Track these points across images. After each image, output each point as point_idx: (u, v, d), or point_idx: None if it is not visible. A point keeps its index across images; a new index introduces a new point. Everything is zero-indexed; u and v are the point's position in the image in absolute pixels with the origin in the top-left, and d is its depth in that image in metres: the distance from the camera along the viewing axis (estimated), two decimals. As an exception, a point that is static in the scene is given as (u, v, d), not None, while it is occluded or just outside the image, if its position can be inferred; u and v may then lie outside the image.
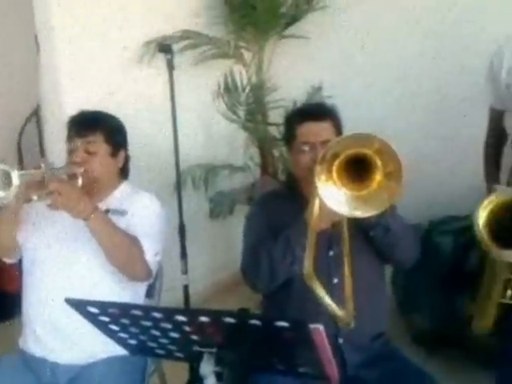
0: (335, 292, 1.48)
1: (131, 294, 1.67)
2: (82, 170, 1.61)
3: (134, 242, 1.58)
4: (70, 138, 1.68)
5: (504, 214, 1.50)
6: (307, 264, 1.32)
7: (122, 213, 1.65)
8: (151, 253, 1.61)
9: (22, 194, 1.44)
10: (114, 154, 1.70)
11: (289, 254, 1.47)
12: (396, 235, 1.49)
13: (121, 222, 1.61)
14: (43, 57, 2.53)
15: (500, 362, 1.76)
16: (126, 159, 1.79)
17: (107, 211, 1.64)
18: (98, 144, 1.65)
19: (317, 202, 1.35)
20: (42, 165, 1.47)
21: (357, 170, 1.28)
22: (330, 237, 1.51)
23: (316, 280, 1.32)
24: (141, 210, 1.66)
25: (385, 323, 1.66)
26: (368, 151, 1.25)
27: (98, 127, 1.66)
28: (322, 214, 1.37)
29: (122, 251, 1.55)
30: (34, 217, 1.66)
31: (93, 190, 1.64)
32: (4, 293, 2.85)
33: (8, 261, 1.73)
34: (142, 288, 1.75)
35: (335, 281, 1.53)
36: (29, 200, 1.46)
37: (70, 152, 1.66)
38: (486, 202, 1.50)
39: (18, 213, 1.59)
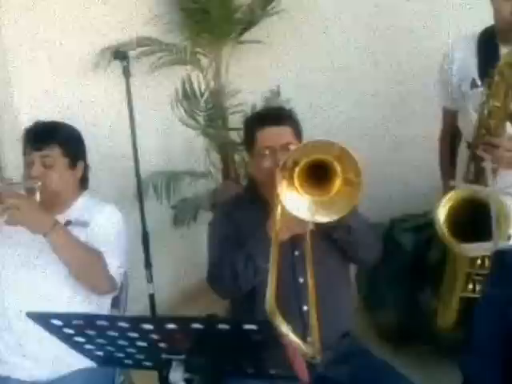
0: (301, 291, 1.50)
1: (95, 306, 1.64)
2: (39, 183, 1.57)
3: (95, 255, 1.56)
4: (26, 152, 1.64)
5: (462, 210, 1.55)
6: (269, 299, 1.32)
7: (83, 224, 1.62)
8: (115, 265, 1.60)
9: None
10: (72, 166, 1.68)
11: (251, 266, 1.49)
12: (358, 235, 1.52)
13: (82, 234, 1.59)
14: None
15: (463, 351, 1.81)
16: (86, 169, 1.76)
17: (68, 223, 1.61)
18: (55, 157, 1.62)
19: (279, 209, 1.37)
20: None
21: (318, 175, 1.31)
22: (294, 237, 1.52)
23: (279, 316, 1.32)
24: (102, 223, 1.64)
25: (351, 321, 1.68)
26: (328, 157, 1.27)
27: (53, 140, 1.62)
28: (284, 223, 1.38)
29: (84, 265, 1.53)
30: None
31: (52, 202, 1.61)
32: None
33: None
34: (106, 300, 1.72)
35: (301, 280, 1.55)
36: None
37: (27, 166, 1.63)
38: (445, 199, 1.55)
39: None
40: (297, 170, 1.30)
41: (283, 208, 1.34)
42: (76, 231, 1.58)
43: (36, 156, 1.60)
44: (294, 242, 1.53)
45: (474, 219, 1.54)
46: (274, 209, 1.40)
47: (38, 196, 1.56)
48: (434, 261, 2.31)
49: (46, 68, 2.46)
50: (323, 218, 1.32)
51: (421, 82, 2.53)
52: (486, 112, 1.56)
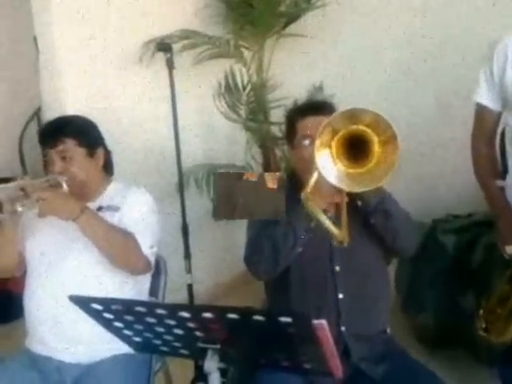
0: (337, 279, 1.52)
1: (133, 291, 1.67)
2: (65, 178, 1.61)
3: (127, 236, 1.59)
4: (43, 152, 1.68)
5: None
6: (306, 188, 1.33)
7: (114, 209, 1.66)
8: (147, 245, 1.62)
9: (7, 208, 1.46)
10: (91, 155, 1.70)
11: (290, 236, 1.48)
12: (396, 221, 1.50)
13: (114, 218, 1.63)
14: (43, 58, 2.53)
15: (505, 359, 1.75)
16: (107, 154, 1.77)
17: (100, 208, 1.66)
18: (72, 149, 1.65)
19: (314, 176, 1.35)
20: (18, 178, 1.51)
21: (355, 152, 1.30)
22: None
23: (314, 203, 1.34)
24: (132, 205, 1.67)
25: (387, 319, 1.66)
26: (362, 127, 1.27)
27: (66, 134, 1.65)
28: (321, 192, 1.37)
29: (117, 246, 1.56)
30: (27, 225, 1.67)
31: (81, 193, 1.65)
32: (10, 293, 2.86)
33: (16, 275, 1.74)
34: (144, 285, 1.75)
35: (337, 268, 1.54)
36: (14, 212, 1.47)
37: (49, 164, 1.67)
38: None
39: (17, 228, 1.62)
40: (335, 139, 1.29)
41: (320, 176, 1.33)
42: (107, 216, 1.61)
43: (54, 153, 1.64)
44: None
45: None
46: (309, 176, 1.38)
47: (65, 187, 1.60)
48: (476, 264, 2.25)
49: (91, 60, 2.51)
50: (361, 187, 1.31)
51: (470, 82, 2.46)
52: None
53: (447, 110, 2.80)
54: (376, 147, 1.28)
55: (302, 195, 1.33)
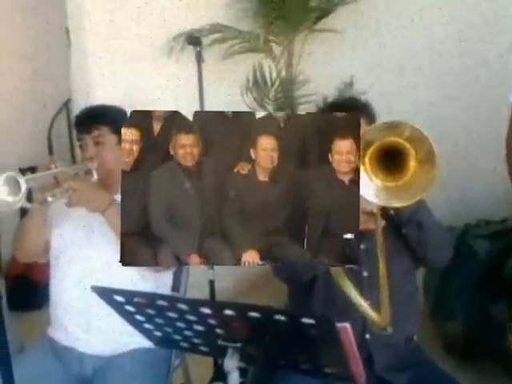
0: (364, 285, 1.47)
1: (155, 286, 1.66)
2: (95, 165, 1.63)
3: None
4: (78, 136, 1.71)
5: None
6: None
7: None
8: None
9: (37, 197, 1.46)
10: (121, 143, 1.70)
11: None
12: (429, 231, 1.46)
13: None
14: (74, 51, 2.55)
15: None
16: None
17: None
18: (105, 135, 1.67)
19: None
20: (52, 165, 1.52)
21: (391, 162, 1.25)
22: (360, 231, 1.48)
23: (346, 278, 1.28)
24: None
25: (415, 328, 1.61)
26: (400, 140, 1.21)
27: (102, 120, 1.68)
28: None
29: None
30: (55, 213, 1.68)
31: (109, 182, 1.66)
32: (33, 282, 2.91)
33: (41, 261, 1.75)
34: (167, 281, 1.74)
35: (365, 274, 1.50)
36: (44, 201, 1.47)
37: (82, 149, 1.69)
38: None
39: (45, 215, 1.63)
40: (368, 153, 1.24)
41: None
42: None
43: (87, 138, 1.67)
44: (361, 234, 1.49)
45: None
46: None
47: (95, 175, 1.62)
48: (510, 271, 2.17)
49: (121, 52, 2.53)
50: (398, 202, 1.24)
51: (508, 80, 2.38)
52: None
53: (483, 109, 2.72)
54: (412, 161, 1.22)
55: (332, 271, 1.29)
